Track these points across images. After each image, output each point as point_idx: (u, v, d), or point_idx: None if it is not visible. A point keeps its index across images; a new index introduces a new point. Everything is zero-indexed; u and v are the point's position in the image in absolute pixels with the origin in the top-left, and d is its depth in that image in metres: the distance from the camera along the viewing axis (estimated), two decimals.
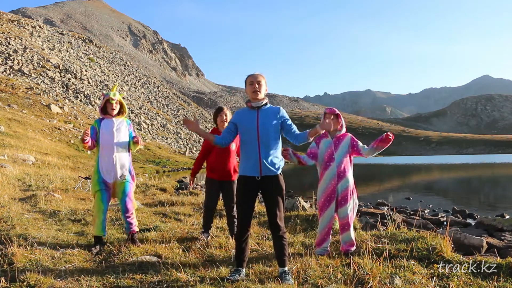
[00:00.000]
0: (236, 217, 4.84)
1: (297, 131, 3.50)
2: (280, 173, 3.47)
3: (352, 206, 4.26)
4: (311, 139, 3.45)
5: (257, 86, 3.41)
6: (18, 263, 3.54)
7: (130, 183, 4.44)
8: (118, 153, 4.32)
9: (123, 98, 4.67)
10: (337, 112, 4.28)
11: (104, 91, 56.66)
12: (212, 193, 4.83)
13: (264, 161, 3.37)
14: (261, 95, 3.43)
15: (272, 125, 3.42)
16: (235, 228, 4.79)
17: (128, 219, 4.43)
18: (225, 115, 4.70)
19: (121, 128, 4.40)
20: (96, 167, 4.36)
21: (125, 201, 4.40)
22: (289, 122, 3.51)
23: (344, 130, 4.33)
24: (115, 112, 4.42)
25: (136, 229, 4.54)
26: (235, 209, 4.83)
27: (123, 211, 4.45)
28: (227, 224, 5.01)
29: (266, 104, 3.48)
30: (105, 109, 4.41)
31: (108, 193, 4.37)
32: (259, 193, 3.53)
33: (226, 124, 4.67)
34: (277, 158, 3.45)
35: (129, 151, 4.50)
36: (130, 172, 4.47)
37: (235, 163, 4.81)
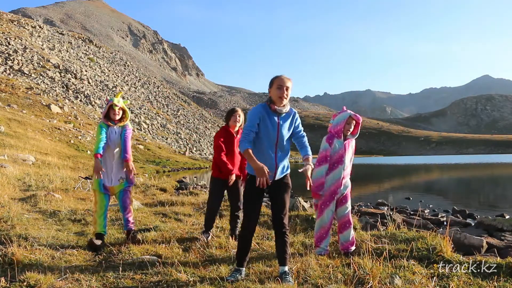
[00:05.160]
0: (239, 217, 4.85)
1: (304, 142, 3.51)
2: (288, 173, 3.53)
3: (350, 204, 4.42)
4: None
5: (286, 92, 3.32)
6: (18, 263, 3.54)
7: (127, 184, 4.59)
8: (116, 160, 4.51)
9: (127, 105, 4.82)
10: (360, 121, 4.36)
11: (104, 92, 56.68)
12: (218, 192, 4.89)
13: (279, 165, 3.40)
14: (285, 101, 3.36)
15: (289, 132, 3.46)
16: (237, 229, 4.79)
17: (126, 216, 4.58)
18: (239, 116, 4.86)
19: (121, 137, 4.58)
20: None
21: (122, 200, 4.56)
22: (301, 132, 3.53)
23: (356, 136, 4.43)
24: (118, 117, 4.53)
25: (134, 226, 4.66)
26: (240, 207, 4.79)
27: (121, 208, 4.61)
28: (230, 223, 5.02)
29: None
30: (108, 115, 4.52)
31: (107, 194, 4.54)
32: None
33: (238, 123, 4.83)
34: (287, 160, 3.51)
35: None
36: (128, 175, 4.60)
37: (239, 162, 4.88)
